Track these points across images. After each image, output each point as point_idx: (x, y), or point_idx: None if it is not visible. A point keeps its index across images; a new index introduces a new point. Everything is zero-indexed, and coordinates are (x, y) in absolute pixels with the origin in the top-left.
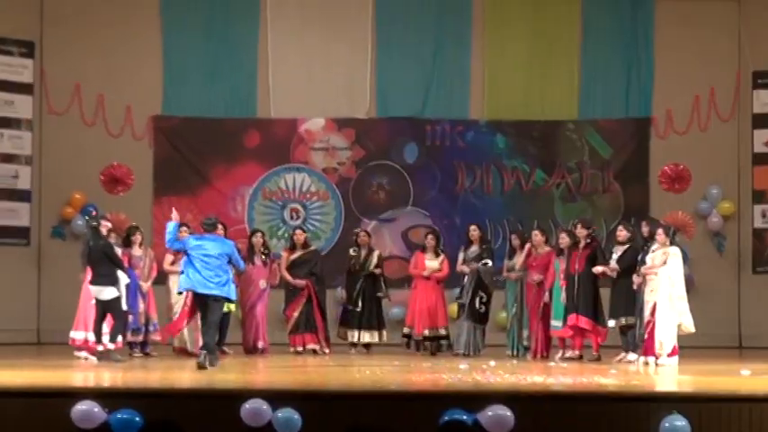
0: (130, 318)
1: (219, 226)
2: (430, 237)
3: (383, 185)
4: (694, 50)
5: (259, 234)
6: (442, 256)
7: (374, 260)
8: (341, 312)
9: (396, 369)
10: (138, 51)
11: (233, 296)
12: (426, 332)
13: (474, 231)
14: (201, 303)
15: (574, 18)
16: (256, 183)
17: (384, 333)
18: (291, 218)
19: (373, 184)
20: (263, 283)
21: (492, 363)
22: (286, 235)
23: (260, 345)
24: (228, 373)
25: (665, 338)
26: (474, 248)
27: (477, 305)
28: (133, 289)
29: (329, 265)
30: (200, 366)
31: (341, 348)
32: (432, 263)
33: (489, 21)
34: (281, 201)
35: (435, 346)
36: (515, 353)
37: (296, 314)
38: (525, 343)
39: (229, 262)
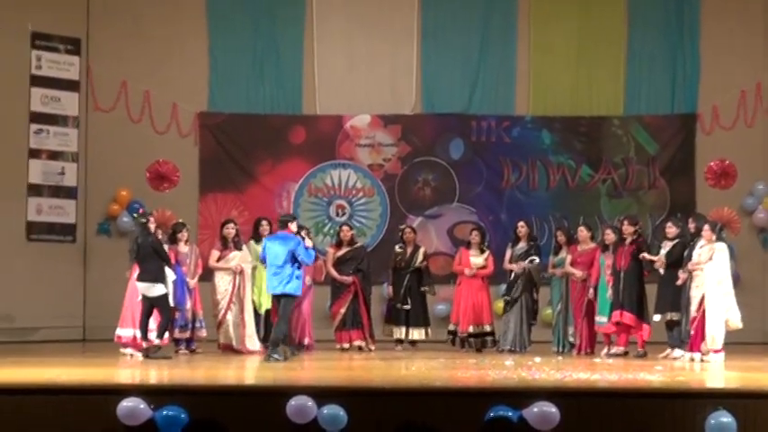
0: (178, 314)
1: (292, 223)
2: (475, 233)
3: (429, 182)
4: (740, 45)
5: (303, 231)
6: (486, 253)
7: (420, 257)
8: (386, 309)
9: (441, 366)
10: (184, 49)
11: (295, 292)
12: (471, 329)
13: (522, 228)
14: (277, 301)
15: (619, 14)
16: (302, 179)
17: (429, 330)
18: (337, 214)
19: (419, 181)
20: (308, 280)
21: (537, 359)
22: (332, 231)
23: (306, 341)
24: (274, 371)
25: (715, 334)
26: (522, 245)
27: (529, 302)
28: (181, 285)
29: (375, 261)
30: (269, 360)
31: (386, 345)
32: (476, 259)
33: (535, 16)
34: (326, 197)
35: (480, 342)
36: (561, 349)
37: (342, 311)
38: (571, 339)
39: (294, 259)
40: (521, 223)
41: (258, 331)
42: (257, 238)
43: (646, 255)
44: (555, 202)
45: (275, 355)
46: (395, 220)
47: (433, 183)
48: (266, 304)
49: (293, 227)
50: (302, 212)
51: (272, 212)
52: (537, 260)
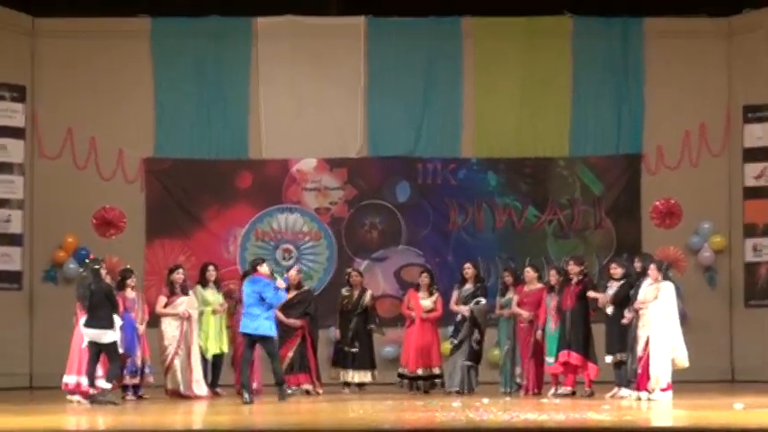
0: (128, 361)
1: (261, 266)
2: (424, 275)
3: (375, 225)
4: (684, 86)
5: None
6: (436, 295)
7: (367, 299)
8: (333, 352)
9: (389, 408)
10: (130, 94)
11: (267, 332)
12: (420, 371)
13: (468, 269)
14: (249, 340)
15: (564, 55)
16: (249, 224)
17: (376, 372)
18: (284, 258)
19: (365, 224)
20: None
21: (485, 400)
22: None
23: (254, 386)
24: (222, 415)
25: (660, 373)
26: (468, 287)
27: (472, 344)
28: (130, 332)
29: (322, 304)
30: (284, 398)
31: (334, 388)
32: (426, 302)
33: (479, 59)
34: (273, 241)
35: (429, 384)
36: (508, 390)
37: (290, 354)
38: (518, 380)
39: (262, 299)
40: (467, 265)
41: (205, 376)
42: (204, 283)
43: (591, 292)
44: (501, 243)
45: (289, 391)
46: (342, 263)
47: (379, 225)
48: (213, 349)
49: (262, 269)
50: (249, 257)
51: (219, 257)
52: (483, 301)
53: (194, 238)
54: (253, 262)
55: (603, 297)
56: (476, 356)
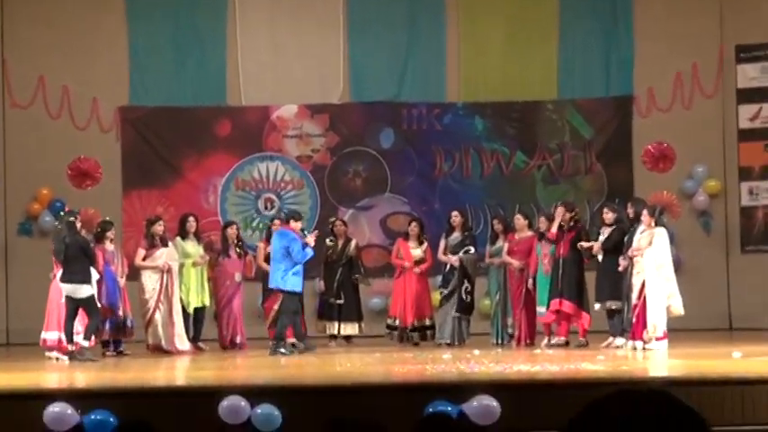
0: (111, 315)
1: (295, 221)
2: (414, 224)
3: (359, 172)
4: (675, 26)
5: (234, 226)
6: (425, 245)
7: (351, 249)
8: (318, 304)
9: (377, 361)
10: (103, 41)
11: (292, 288)
12: (415, 323)
13: (456, 217)
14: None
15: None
16: (229, 173)
17: (363, 324)
18: (266, 208)
19: (349, 172)
20: (237, 277)
21: (476, 352)
22: (261, 225)
23: (237, 340)
24: (205, 370)
25: (656, 321)
26: (456, 235)
27: (462, 295)
28: (112, 286)
29: None
30: (275, 353)
31: (320, 341)
32: (416, 251)
33: (464, 1)
34: (254, 191)
35: (420, 336)
36: (500, 341)
37: (275, 307)
38: (510, 330)
39: (288, 254)
40: (455, 213)
41: (187, 330)
42: (183, 234)
43: (583, 243)
44: (490, 190)
45: (281, 350)
46: (325, 212)
47: (363, 173)
48: (194, 303)
49: (295, 224)
50: (229, 207)
51: (199, 208)
52: (472, 250)
53: (173, 189)
54: (288, 215)
55: (597, 245)
56: (466, 307)
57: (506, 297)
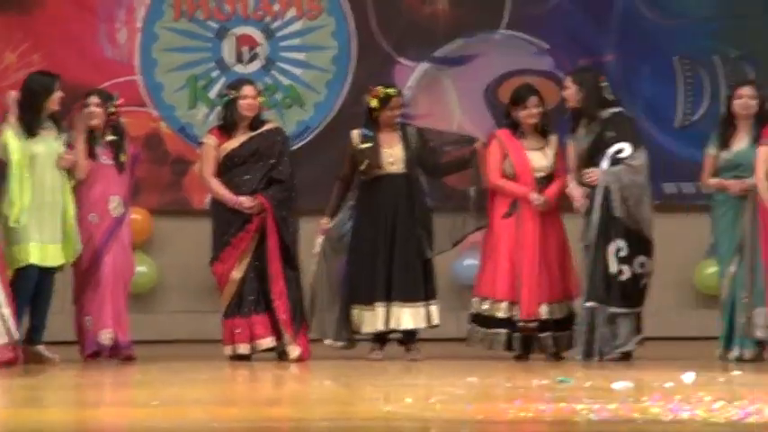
0: None
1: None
2: (532, 100)
3: None
4: None
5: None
6: (552, 140)
7: (409, 149)
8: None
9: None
10: None
11: None
12: (544, 312)
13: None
14: None
15: None
16: None
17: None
18: (239, 59)
19: None
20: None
21: (688, 378)
22: (224, 95)
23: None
24: None
25: None
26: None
27: (610, 263)
28: None
29: (313, 165)
30: None
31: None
32: (540, 159)
33: None
34: (215, 20)
35: (554, 340)
36: (733, 349)
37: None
38: (760, 331)
39: None
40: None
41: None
42: (33, 115)
43: None
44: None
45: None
46: (365, 69)
47: None
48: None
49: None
50: (161, 54)
51: (96, 54)
52: (628, 153)
53: (38, 14)
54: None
55: None
56: (634, 291)
57: (757, 266)
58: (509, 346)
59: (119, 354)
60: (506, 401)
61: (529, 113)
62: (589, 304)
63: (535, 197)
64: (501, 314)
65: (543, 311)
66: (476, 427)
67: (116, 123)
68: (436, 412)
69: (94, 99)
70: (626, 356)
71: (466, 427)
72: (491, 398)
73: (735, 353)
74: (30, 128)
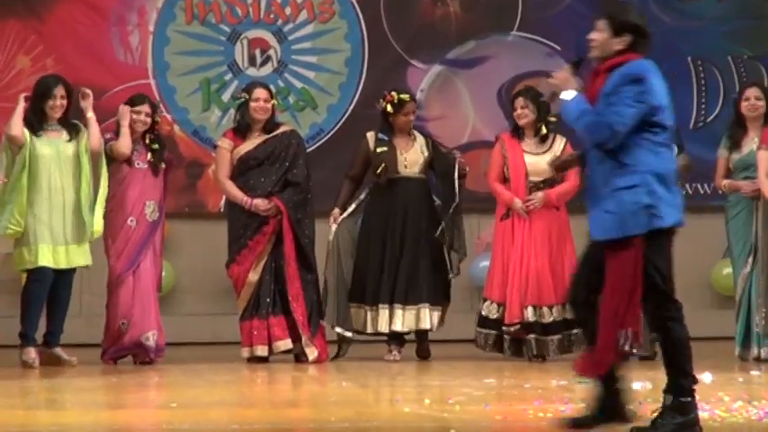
0: None
1: None
2: (519, 101)
3: None
4: None
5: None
6: (559, 144)
7: (423, 154)
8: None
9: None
10: None
11: None
12: (529, 315)
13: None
14: None
15: None
16: None
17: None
18: (250, 62)
19: None
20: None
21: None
22: (234, 99)
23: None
24: None
25: None
26: None
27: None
28: None
29: (327, 168)
30: None
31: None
32: (539, 165)
33: None
34: (227, 24)
35: (559, 342)
36: (751, 348)
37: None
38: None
39: None
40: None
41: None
42: (41, 118)
43: None
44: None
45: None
46: (378, 71)
47: None
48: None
49: None
50: (173, 58)
51: (103, 59)
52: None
53: (50, 19)
54: None
55: None
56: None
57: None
58: (500, 348)
59: (158, 356)
60: (525, 402)
61: (517, 115)
62: None
63: (518, 204)
64: (492, 315)
65: (529, 314)
66: (495, 427)
67: (158, 132)
68: (455, 413)
69: (146, 108)
70: (647, 359)
71: (485, 428)
72: (510, 398)
73: (753, 352)
74: (33, 128)
